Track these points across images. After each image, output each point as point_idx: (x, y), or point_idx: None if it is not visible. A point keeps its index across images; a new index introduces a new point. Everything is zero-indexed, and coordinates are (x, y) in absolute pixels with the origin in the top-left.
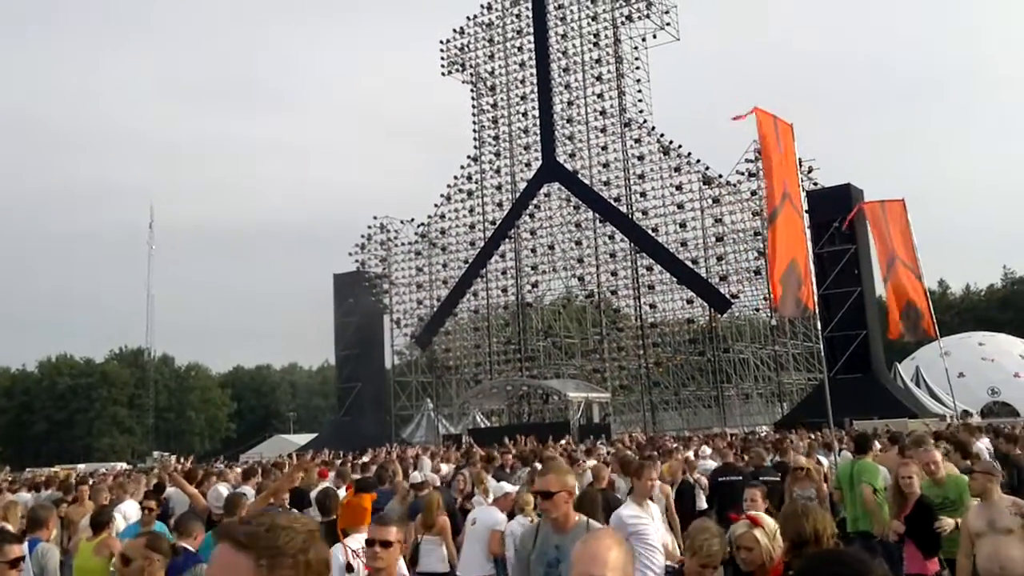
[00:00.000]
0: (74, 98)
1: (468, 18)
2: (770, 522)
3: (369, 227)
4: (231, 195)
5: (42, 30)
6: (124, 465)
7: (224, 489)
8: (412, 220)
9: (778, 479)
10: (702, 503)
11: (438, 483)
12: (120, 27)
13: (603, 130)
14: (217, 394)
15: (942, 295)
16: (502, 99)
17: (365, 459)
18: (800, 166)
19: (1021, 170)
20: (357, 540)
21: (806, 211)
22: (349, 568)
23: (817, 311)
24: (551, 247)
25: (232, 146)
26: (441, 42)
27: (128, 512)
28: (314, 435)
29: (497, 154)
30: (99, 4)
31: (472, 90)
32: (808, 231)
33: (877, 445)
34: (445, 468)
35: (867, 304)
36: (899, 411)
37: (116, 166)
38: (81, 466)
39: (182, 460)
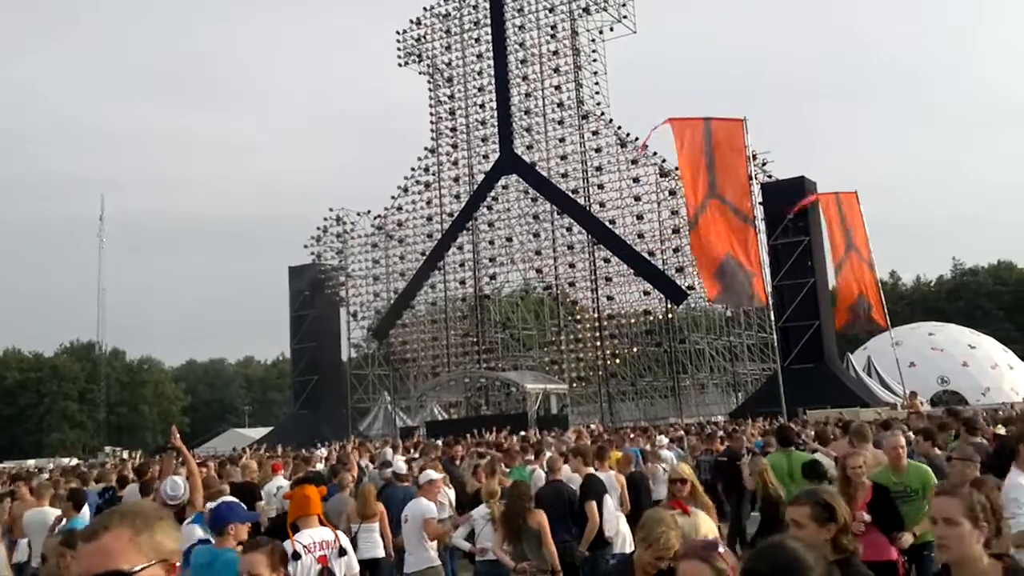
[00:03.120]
0: (19, 89)
1: (425, 9)
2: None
3: (325, 219)
4: (183, 188)
5: None
6: (75, 460)
7: (180, 479)
8: (368, 212)
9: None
10: (660, 493)
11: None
12: (67, 20)
13: (561, 122)
14: (170, 388)
15: (893, 286)
16: (459, 91)
17: (323, 452)
18: (754, 159)
19: (971, 163)
20: (307, 535)
21: (759, 203)
22: (296, 556)
23: (771, 302)
24: (509, 239)
25: (183, 139)
26: (397, 32)
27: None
28: (270, 429)
29: (455, 146)
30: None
31: (429, 82)
32: (762, 223)
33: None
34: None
35: (820, 295)
36: (852, 400)
37: (65, 159)
38: (31, 461)
39: (132, 455)
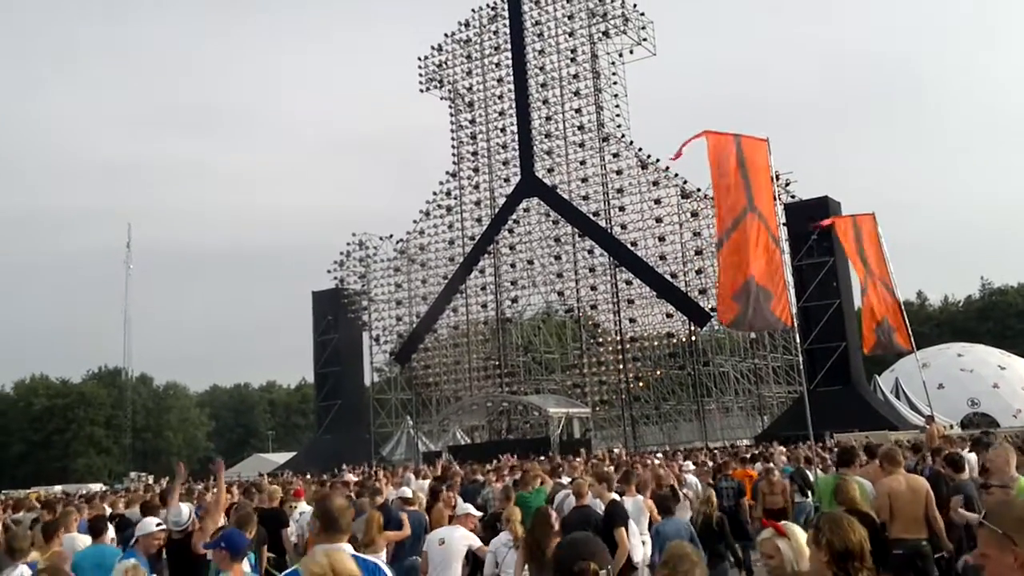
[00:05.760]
0: (43, 122)
1: (446, 35)
2: (798, 532)
3: (348, 244)
4: (208, 217)
5: None
6: (101, 486)
7: (185, 507)
8: (391, 236)
9: None
10: (685, 515)
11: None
12: (90, 54)
13: (581, 145)
14: (195, 413)
15: (920, 306)
16: (480, 115)
17: (351, 477)
18: (777, 179)
19: (998, 182)
20: None
21: (783, 224)
22: None
23: (796, 324)
24: (530, 262)
25: (208, 169)
26: (419, 59)
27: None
28: (293, 454)
29: (476, 170)
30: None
31: (450, 106)
32: (786, 244)
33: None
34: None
35: (846, 316)
36: (879, 423)
37: (92, 190)
38: (57, 487)
39: (153, 481)
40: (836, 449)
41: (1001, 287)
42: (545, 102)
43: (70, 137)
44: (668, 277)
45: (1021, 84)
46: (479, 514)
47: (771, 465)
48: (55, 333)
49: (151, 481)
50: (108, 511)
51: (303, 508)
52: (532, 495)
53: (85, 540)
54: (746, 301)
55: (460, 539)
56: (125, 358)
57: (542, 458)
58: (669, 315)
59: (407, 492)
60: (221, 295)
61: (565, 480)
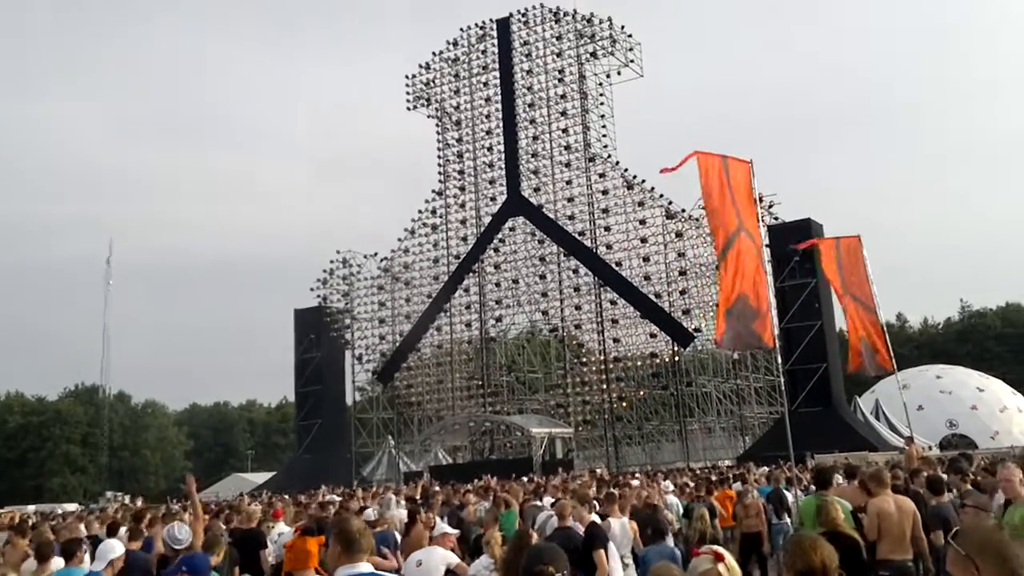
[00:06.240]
0: (20, 131)
1: (434, 53)
2: (731, 560)
3: (332, 262)
4: (188, 231)
5: None
6: (76, 506)
7: (186, 526)
8: (375, 254)
9: None
10: (667, 541)
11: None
12: (71, 63)
13: (568, 165)
14: (173, 432)
15: (900, 328)
16: (467, 134)
17: (334, 497)
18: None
19: (976, 203)
20: None
21: (766, 245)
22: None
23: (778, 345)
24: (515, 281)
25: (188, 182)
26: (407, 77)
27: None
28: (272, 473)
29: (462, 188)
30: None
31: (437, 125)
32: (768, 265)
33: (838, 479)
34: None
35: (827, 337)
36: (859, 444)
37: (68, 201)
38: (31, 507)
39: (135, 500)
40: (812, 471)
41: (980, 310)
42: (532, 122)
43: (46, 144)
44: (652, 297)
45: (1003, 106)
46: (456, 532)
47: (747, 487)
48: (31, 346)
49: (127, 501)
50: (84, 532)
51: (281, 529)
52: (503, 517)
53: (58, 563)
54: (737, 319)
55: (438, 559)
56: (103, 375)
57: (524, 479)
58: (653, 335)
59: (370, 515)
60: (202, 311)
61: (546, 501)
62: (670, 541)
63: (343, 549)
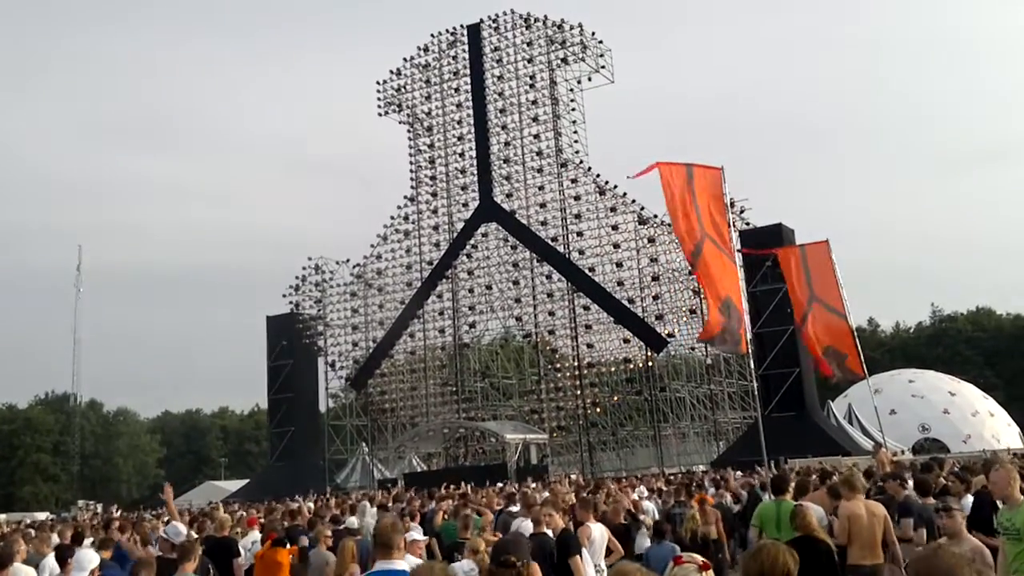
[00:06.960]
0: None
1: (405, 59)
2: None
3: (304, 268)
4: (157, 238)
5: None
6: (47, 515)
7: (183, 526)
8: (348, 261)
9: None
10: (643, 545)
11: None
12: (38, 69)
13: (540, 170)
14: (145, 440)
15: (872, 333)
16: (439, 139)
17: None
18: (732, 207)
19: (948, 212)
20: None
21: (738, 250)
22: None
23: (751, 350)
24: (489, 287)
25: (157, 189)
26: (378, 83)
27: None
28: (246, 481)
29: (434, 194)
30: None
31: (409, 130)
32: (741, 270)
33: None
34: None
35: (799, 343)
36: (832, 449)
37: (37, 209)
38: (1, 516)
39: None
40: (771, 477)
41: (951, 314)
42: (504, 127)
43: (9, 152)
44: (625, 303)
45: (973, 106)
46: (425, 539)
47: (721, 492)
48: (2, 355)
49: (99, 509)
50: (56, 541)
51: (254, 537)
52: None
53: (29, 572)
54: (729, 316)
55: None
56: (74, 383)
57: (499, 485)
58: (626, 340)
59: (353, 522)
60: (173, 317)
61: (516, 508)
62: (645, 543)
63: (381, 550)
